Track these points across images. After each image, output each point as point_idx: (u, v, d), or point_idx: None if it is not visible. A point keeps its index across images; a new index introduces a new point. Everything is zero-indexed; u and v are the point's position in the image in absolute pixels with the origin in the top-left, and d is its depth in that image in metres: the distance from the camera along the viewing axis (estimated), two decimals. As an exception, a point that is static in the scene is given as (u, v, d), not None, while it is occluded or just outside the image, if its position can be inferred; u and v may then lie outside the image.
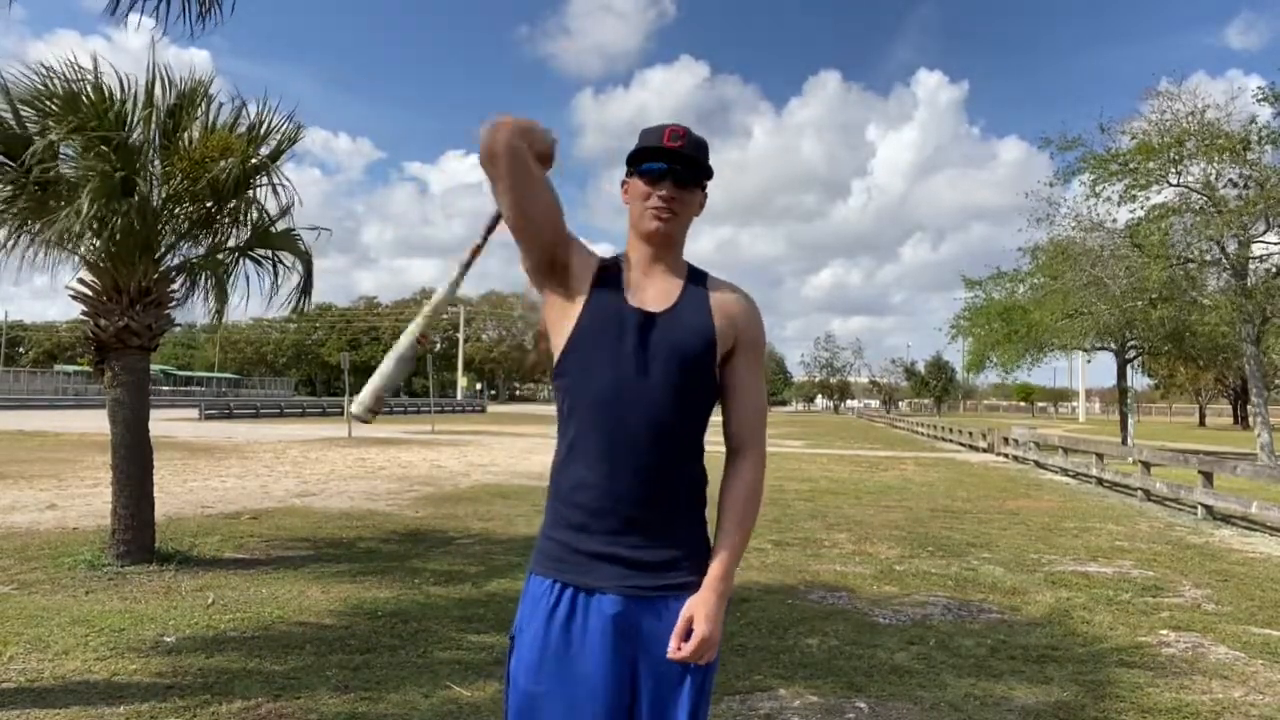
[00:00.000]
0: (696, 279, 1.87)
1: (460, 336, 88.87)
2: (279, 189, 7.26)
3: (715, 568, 1.76)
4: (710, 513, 1.85)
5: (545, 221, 1.76)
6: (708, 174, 1.87)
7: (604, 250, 1.92)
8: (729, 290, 1.88)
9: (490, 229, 1.87)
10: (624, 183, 1.87)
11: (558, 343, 1.80)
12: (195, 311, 7.53)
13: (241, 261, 7.42)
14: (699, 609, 1.72)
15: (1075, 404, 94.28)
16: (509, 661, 1.79)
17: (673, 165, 1.80)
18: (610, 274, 1.84)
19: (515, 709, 1.76)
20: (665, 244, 1.83)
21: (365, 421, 1.88)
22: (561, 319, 1.81)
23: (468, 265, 1.90)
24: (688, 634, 1.70)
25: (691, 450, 1.80)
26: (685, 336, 1.77)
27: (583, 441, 1.76)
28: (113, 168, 6.33)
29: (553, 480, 1.83)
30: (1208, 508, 11.40)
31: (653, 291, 1.82)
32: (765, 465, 1.85)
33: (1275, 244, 21.18)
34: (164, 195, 6.99)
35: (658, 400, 1.73)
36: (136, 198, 6.52)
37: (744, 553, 1.81)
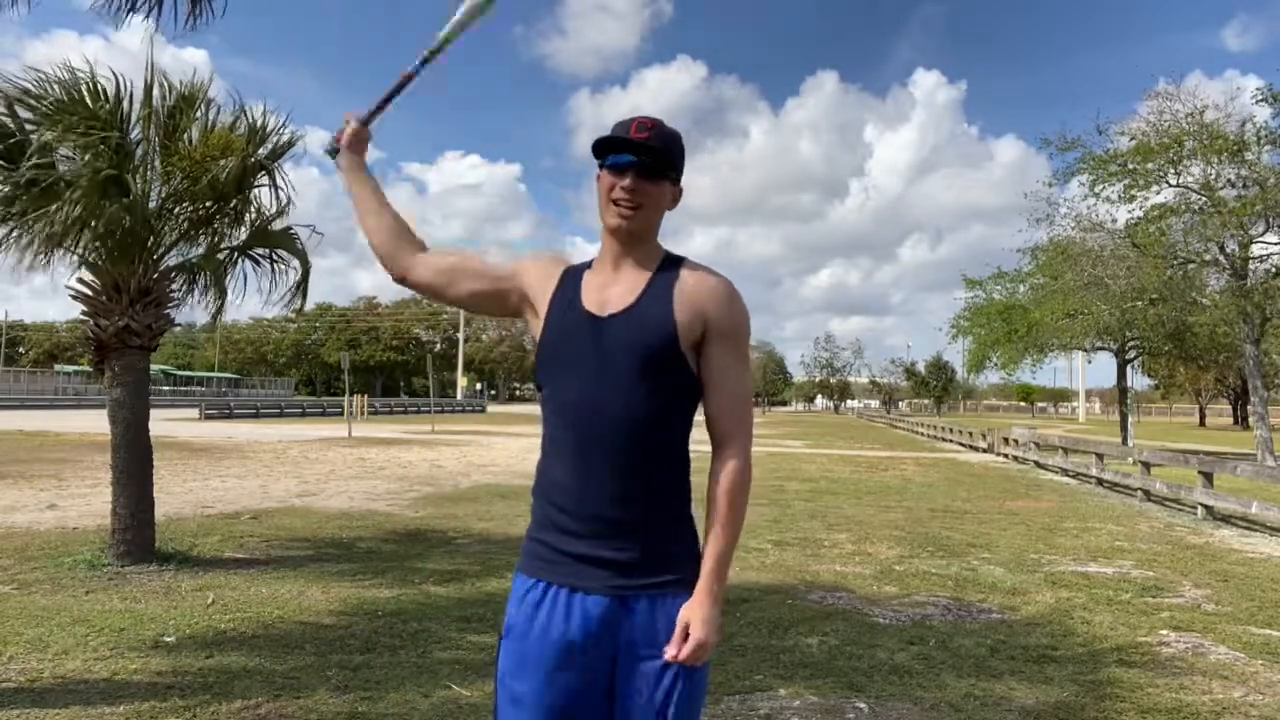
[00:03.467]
0: (667, 269, 1.79)
1: (460, 336, 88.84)
2: (277, 188, 7.26)
3: (706, 570, 1.72)
4: (699, 510, 1.82)
5: (482, 299, 1.94)
6: (677, 166, 1.79)
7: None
8: (699, 278, 1.78)
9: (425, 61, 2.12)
10: (597, 175, 1.79)
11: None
12: (195, 311, 7.55)
13: (240, 261, 7.42)
14: (695, 613, 1.69)
15: (1075, 404, 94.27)
16: (497, 659, 1.80)
17: (638, 157, 1.72)
18: (571, 280, 1.82)
19: (500, 706, 1.77)
20: (630, 239, 1.77)
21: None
22: (536, 332, 1.83)
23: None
24: (684, 637, 1.67)
25: (668, 447, 1.75)
26: (643, 334, 1.71)
27: (559, 445, 1.76)
28: (103, 165, 6.31)
29: (536, 482, 1.83)
30: (1208, 508, 11.39)
31: (618, 289, 1.77)
32: (750, 458, 1.77)
33: (1275, 244, 21.18)
34: (164, 195, 6.99)
35: (625, 402, 1.69)
36: (130, 197, 6.51)
37: (735, 550, 1.77)
